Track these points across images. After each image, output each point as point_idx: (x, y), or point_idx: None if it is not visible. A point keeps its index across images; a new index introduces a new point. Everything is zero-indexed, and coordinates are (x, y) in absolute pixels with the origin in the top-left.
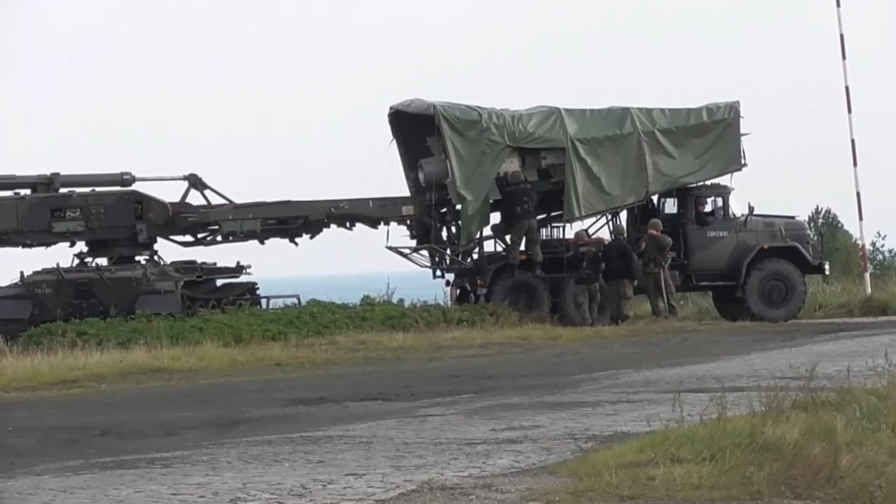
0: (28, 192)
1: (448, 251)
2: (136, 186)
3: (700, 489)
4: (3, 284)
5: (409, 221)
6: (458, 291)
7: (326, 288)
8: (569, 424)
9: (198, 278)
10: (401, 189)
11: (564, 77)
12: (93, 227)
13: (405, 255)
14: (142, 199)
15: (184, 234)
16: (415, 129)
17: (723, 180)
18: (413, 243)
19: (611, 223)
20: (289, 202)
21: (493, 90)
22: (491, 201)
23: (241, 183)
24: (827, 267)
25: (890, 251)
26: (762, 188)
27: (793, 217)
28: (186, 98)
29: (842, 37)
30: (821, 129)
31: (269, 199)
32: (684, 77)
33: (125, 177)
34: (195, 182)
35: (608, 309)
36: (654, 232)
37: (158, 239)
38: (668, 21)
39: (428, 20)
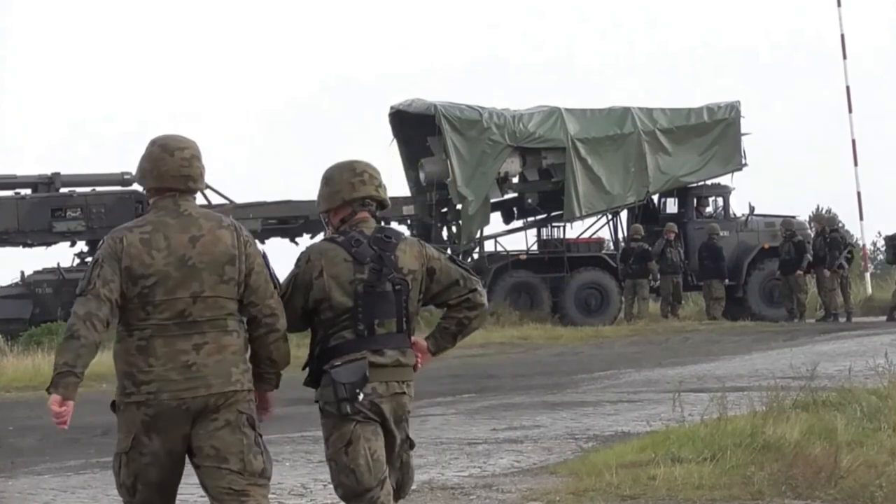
0: (28, 191)
1: (448, 251)
2: (136, 186)
3: (701, 489)
4: (4, 284)
5: (409, 221)
6: None
7: None
8: (569, 424)
9: None
10: (401, 189)
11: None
12: (93, 227)
13: None
14: (142, 199)
15: None
16: (415, 128)
17: (723, 180)
18: None
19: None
20: (289, 202)
21: (494, 90)
22: (492, 201)
23: (241, 183)
24: None
25: None
26: (762, 188)
27: (793, 217)
28: (186, 98)
29: (842, 37)
30: (821, 129)
31: (269, 199)
32: (683, 77)
33: (125, 176)
34: None
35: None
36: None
37: None
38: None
39: (429, 21)
